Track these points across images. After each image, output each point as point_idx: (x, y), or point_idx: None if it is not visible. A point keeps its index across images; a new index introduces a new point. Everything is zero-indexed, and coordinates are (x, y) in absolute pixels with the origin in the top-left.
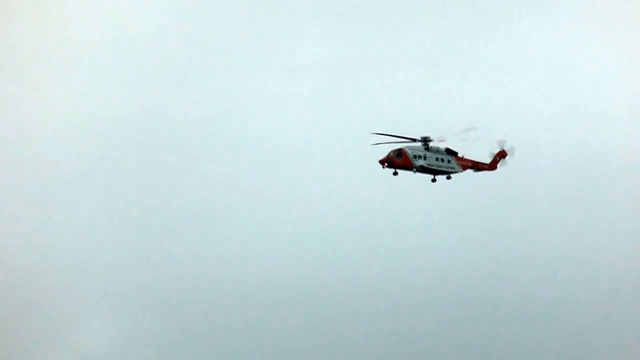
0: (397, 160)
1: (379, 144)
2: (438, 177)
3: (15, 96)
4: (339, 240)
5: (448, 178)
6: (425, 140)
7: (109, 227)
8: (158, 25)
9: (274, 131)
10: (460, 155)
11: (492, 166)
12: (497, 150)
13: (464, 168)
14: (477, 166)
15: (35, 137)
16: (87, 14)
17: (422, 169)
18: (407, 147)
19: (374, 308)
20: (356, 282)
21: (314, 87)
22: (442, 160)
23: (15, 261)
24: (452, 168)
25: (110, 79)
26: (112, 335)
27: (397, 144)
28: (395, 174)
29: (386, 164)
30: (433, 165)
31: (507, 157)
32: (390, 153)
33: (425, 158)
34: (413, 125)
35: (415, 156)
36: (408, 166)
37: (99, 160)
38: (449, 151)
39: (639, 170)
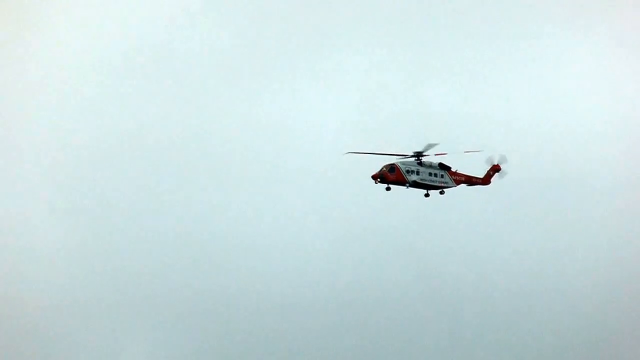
0: (390, 176)
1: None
2: (431, 192)
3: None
4: (332, 254)
5: (441, 193)
6: (419, 155)
7: (114, 239)
8: (196, 39)
9: (287, 144)
10: (453, 169)
11: (485, 181)
12: (490, 165)
13: (458, 183)
14: (471, 181)
15: (38, 148)
16: (115, 23)
17: (415, 184)
18: (400, 162)
19: (370, 320)
20: (350, 296)
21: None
22: (436, 175)
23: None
24: (446, 183)
25: (154, 98)
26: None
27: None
28: (388, 189)
29: (379, 180)
30: (426, 180)
31: (500, 172)
32: (383, 168)
33: (418, 173)
34: (407, 137)
35: (408, 171)
36: (401, 181)
37: (115, 169)
38: (442, 166)
39: (633, 184)
